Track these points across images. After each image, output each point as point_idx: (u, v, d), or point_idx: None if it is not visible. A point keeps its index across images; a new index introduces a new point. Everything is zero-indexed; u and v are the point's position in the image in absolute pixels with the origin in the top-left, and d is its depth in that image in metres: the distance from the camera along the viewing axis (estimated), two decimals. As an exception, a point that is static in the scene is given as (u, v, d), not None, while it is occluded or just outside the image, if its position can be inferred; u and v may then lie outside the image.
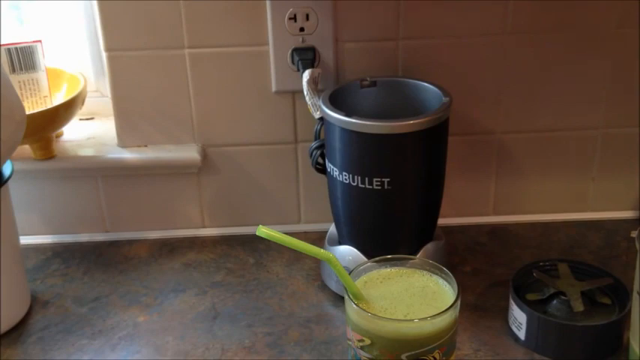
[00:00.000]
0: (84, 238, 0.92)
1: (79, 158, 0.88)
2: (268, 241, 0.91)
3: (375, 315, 0.54)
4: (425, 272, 0.59)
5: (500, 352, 0.71)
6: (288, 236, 0.56)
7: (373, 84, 0.79)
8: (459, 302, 0.53)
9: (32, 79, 0.86)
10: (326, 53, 0.82)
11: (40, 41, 0.85)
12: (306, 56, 0.81)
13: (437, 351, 0.53)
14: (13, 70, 0.85)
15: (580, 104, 0.87)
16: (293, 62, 0.83)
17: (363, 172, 0.71)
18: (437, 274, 0.58)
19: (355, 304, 0.55)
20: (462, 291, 0.79)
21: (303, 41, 0.82)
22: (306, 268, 0.85)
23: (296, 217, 0.93)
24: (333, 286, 0.79)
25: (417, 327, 0.53)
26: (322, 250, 0.56)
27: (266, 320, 0.76)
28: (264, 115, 0.87)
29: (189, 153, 0.87)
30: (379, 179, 0.70)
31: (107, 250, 0.90)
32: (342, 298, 0.78)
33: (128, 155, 0.88)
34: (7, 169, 0.74)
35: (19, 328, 0.76)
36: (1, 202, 0.72)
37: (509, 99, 0.86)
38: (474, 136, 0.88)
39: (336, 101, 0.74)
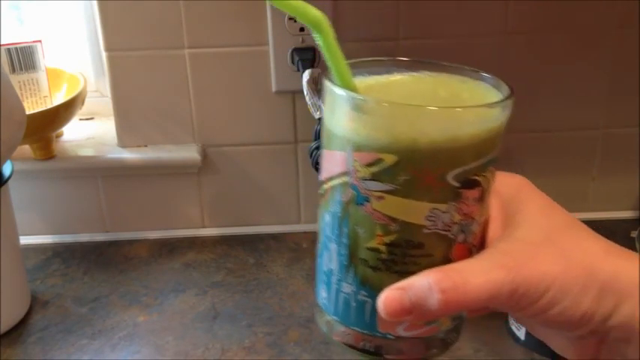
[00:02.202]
0: (84, 238, 0.93)
1: (79, 158, 0.88)
2: (268, 240, 0.92)
3: (411, 105, 0.33)
4: (460, 77, 0.40)
5: (500, 352, 0.71)
6: None
7: (373, 84, 0.79)
8: (509, 101, 0.36)
9: (32, 79, 0.86)
10: (326, 53, 0.82)
11: (40, 41, 0.85)
12: (306, 56, 0.81)
13: (490, 168, 0.36)
14: (13, 70, 0.85)
15: (580, 104, 0.87)
16: (293, 62, 0.83)
17: (362, 172, 0.71)
18: (479, 79, 0.40)
19: (358, 94, 0.35)
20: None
21: (303, 41, 0.82)
22: (306, 268, 0.85)
23: (296, 217, 0.93)
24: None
25: (475, 120, 0.34)
26: (312, 8, 0.35)
27: (266, 320, 0.76)
28: (264, 115, 0.87)
29: (189, 153, 0.87)
30: (379, 179, 0.70)
31: (107, 250, 0.90)
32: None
33: (128, 155, 0.88)
34: (7, 169, 0.74)
35: (19, 328, 0.76)
36: (1, 202, 0.72)
37: (509, 99, 0.86)
38: (474, 136, 0.88)
39: (336, 101, 0.74)
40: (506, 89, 0.37)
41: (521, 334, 0.71)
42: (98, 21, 0.82)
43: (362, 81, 0.39)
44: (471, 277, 0.34)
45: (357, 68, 0.39)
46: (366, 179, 0.34)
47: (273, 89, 0.85)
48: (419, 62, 0.40)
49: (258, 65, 0.84)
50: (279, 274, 0.85)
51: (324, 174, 0.37)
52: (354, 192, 0.35)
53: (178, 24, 0.82)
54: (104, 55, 0.83)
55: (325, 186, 0.37)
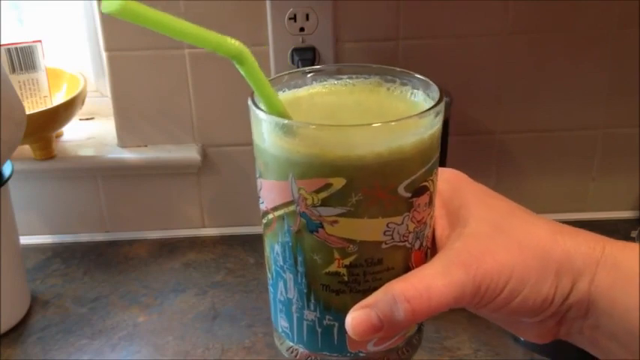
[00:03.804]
0: (84, 238, 0.92)
1: (79, 158, 0.88)
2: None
3: (352, 125, 0.33)
4: (388, 85, 0.39)
5: (500, 352, 0.71)
6: (164, 14, 0.34)
7: (373, 84, 0.79)
8: (443, 103, 0.36)
9: (32, 79, 0.86)
10: (326, 53, 0.82)
11: (40, 41, 0.85)
12: (306, 56, 0.81)
13: (434, 171, 0.36)
14: (13, 70, 0.85)
15: (580, 104, 0.87)
16: (293, 62, 0.83)
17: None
18: (409, 81, 0.39)
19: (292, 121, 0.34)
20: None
21: (303, 41, 0.82)
22: (306, 268, 0.85)
23: (296, 217, 0.93)
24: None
25: (416, 129, 0.34)
26: (229, 39, 0.34)
27: (266, 320, 0.76)
28: (264, 115, 0.87)
29: (189, 153, 0.87)
30: (379, 179, 0.70)
31: (107, 250, 0.90)
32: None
33: (128, 155, 0.88)
34: (7, 169, 0.74)
35: (19, 328, 0.76)
36: (1, 202, 0.72)
37: (509, 99, 0.86)
38: (474, 136, 0.88)
39: (336, 101, 0.74)
40: (436, 90, 0.37)
41: (521, 334, 0.71)
42: (98, 21, 0.82)
43: (285, 97, 0.38)
44: (433, 281, 0.34)
45: (277, 84, 0.39)
46: (316, 206, 0.33)
47: (273, 89, 0.85)
48: (347, 67, 0.39)
49: (258, 65, 0.84)
50: (279, 274, 0.85)
51: (268, 204, 0.36)
52: (304, 220, 0.34)
53: (178, 24, 0.81)
54: (104, 55, 0.83)
55: (270, 216, 0.36)
